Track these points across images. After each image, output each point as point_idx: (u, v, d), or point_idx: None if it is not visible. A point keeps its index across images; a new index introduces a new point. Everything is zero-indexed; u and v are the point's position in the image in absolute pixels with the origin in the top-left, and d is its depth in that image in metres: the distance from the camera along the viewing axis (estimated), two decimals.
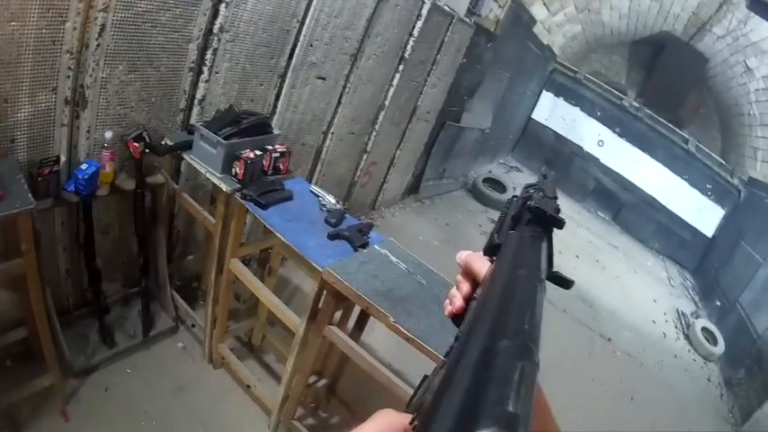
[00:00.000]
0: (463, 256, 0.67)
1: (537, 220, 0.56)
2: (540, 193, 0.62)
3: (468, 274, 0.65)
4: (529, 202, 0.58)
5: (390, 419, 0.38)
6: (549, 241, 0.55)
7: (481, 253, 0.66)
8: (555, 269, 0.55)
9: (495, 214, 7.00)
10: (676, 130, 9.08)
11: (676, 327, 6.60)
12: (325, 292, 2.08)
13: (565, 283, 0.56)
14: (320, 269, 1.99)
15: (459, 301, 0.63)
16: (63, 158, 2.14)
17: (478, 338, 0.34)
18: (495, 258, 0.59)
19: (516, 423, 0.25)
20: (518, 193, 0.73)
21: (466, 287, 0.64)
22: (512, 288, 0.42)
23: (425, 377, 0.49)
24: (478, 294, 0.55)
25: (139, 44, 2.19)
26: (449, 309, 0.64)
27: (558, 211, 0.58)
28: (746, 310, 6.37)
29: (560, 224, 0.56)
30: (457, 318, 0.63)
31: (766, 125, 7.72)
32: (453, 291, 0.66)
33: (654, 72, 9.50)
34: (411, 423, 0.36)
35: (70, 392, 2.37)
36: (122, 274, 2.88)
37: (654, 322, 6.41)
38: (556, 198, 0.63)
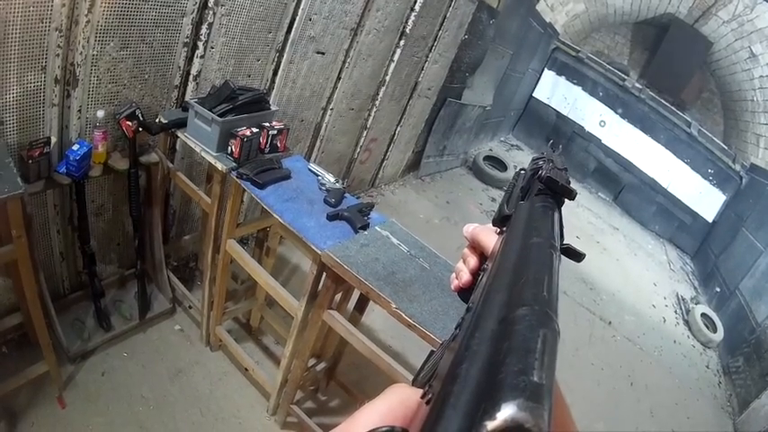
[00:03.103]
0: (470, 228, 0.66)
1: (548, 191, 0.54)
2: (550, 164, 0.59)
3: (476, 247, 0.64)
4: (540, 172, 0.56)
5: (403, 394, 0.36)
6: (559, 213, 0.53)
7: (489, 225, 0.65)
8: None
9: (496, 192, 7.06)
10: (679, 112, 9.01)
11: (676, 312, 6.60)
12: (324, 275, 2.04)
13: (576, 255, 0.55)
14: (319, 252, 1.94)
15: (466, 275, 0.63)
16: (54, 139, 2.07)
17: (494, 307, 0.33)
18: (504, 230, 0.58)
19: (541, 393, 0.23)
20: (523, 167, 0.71)
21: (473, 260, 0.64)
22: (527, 256, 0.41)
23: (432, 352, 0.49)
24: (489, 265, 0.54)
25: (131, 19, 2.11)
26: (455, 283, 0.65)
27: (568, 181, 0.56)
28: (746, 298, 6.35)
29: (572, 195, 0.54)
30: (464, 292, 0.63)
31: None
32: (460, 264, 0.66)
33: (657, 54, 9.42)
34: (423, 397, 0.33)
35: (66, 378, 2.35)
36: (118, 255, 2.83)
37: (654, 306, 6.41)
38: (566, 169, 0.61)
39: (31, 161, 1.94)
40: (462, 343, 0.32)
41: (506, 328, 0.29)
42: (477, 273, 0.62)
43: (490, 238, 0.61)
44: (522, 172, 0.66)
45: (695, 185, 8.97)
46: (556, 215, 0.51)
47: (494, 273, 0.42)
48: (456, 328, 0.43)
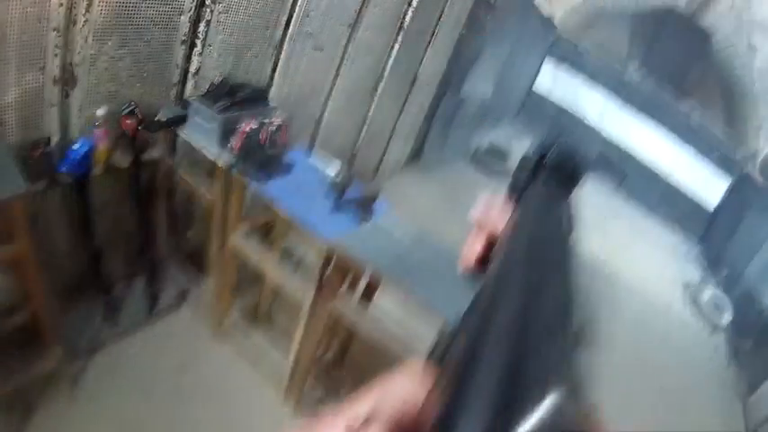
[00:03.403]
0: (479, 207, 0.64)
1: (557, 173, 0.54)
2: (557, 147, 0.58)
3: (484, 227, 0.62)
4: (547, 154, 0.56)
5: (419, 372, 0.35)
6: (569, 194, 0.54)
7: (495, 200, 0.63)
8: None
9: (497, 184, 7.01)
10: (679, 101, 8.97)
11: (683, 296, 6.58)
12: (331, 263, 2.05)
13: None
14: (325, 241, 1.95)
15: (473, 257, 0.61)
16: (55, 139, 2.09)
17: (517, 299, 0.32)
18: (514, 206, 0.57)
19: (580, 386, 0.24)
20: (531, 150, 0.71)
21: (480, 243, 0.62)
22: (542, 243, 0.41)
23: (444, 331, 0.47)
24: (500, 248, 0.52)
25: (128, 18, 2.12)
26: (464, 264, 0.62)
27: (576, 163, 0.56)
28: (754, 281, 6.32)
29: (581, 176, 0.55)
30: (476, 268, 0.61)
31: None
32: (467, 247, 0.64)
33: (656, 46, 9.40)
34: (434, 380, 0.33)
35: (76, 373, 2.36)
36: (123, 252, 2.83)
37: (661, 291, 6.39)
38: (573, 152, 0.60)
39: (32, 160, 1.95)
40: (494, 329, 0.30)
41: (535, 320, 0.29)
42: (485, 256, 0.61)
43: (499, 216, 0.60)
44: (531, 154, 0.65)
45: (698, 171, 8.96)
46: (564, 197, 0.51)
47: (508, 260, 0.41)
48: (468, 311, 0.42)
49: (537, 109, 10.32)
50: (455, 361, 0.30)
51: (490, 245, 0.61)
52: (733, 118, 9.22)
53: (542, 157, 0.58)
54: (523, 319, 0.29)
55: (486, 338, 0.28)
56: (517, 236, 0.44)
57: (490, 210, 0.63)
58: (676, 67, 9.16)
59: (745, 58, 7.94)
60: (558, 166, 0.53)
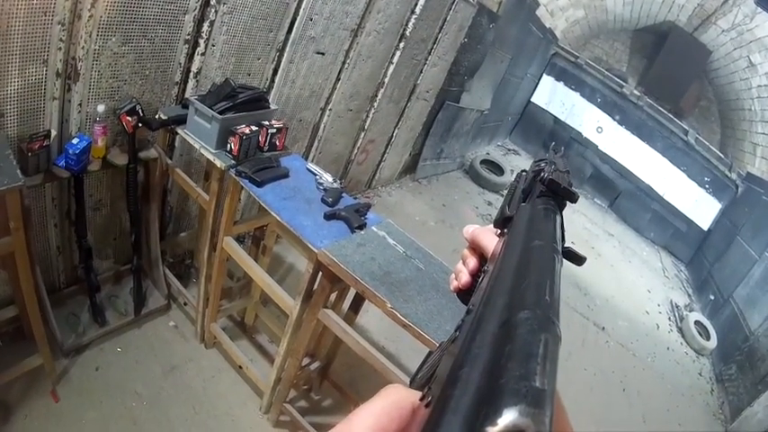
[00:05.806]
0: (470, 230, 0.66)
1: (550, 193, 0.53)
2: (552, 166, 0.58)
3: (476, 248, 0.64)
4: (542, 174, 0.55)
5: (399, 395, 0.35)
6: (561, 216, 0.53)
7: (489, 227, 0.64)
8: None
9: (493, 196, 7.06)
10: (676, 120, 9.06)
11: (670, 319, 6.62)
12: (320, 274, 2.04)
13: (577, 259, 0.53)
14: (316, 250, 1.95)
15: (465, 276, 0.62)
16: (54, 133, 2.08)
17: (496, 311, 0.32)
18: (505, 231, 0.57)
19: (543, 399, 0.23)
20: (525, 169, 0.70)
21: (473, 262, 0.64)
22: (528, 258, 0.40)
23: (430, 353, 0.48)
24: (490, 267, 0.53)
25: (133, 15, 2.12)
26: (455, 284, 0.64)
27: (570, 184, 0.55)
28: (740, 306, 6.37)
29: (573, 197, 0.54)
30: (463, 293, 0.62)
31: (767, 121, 7.68)
32: (459, 266, 0.66)
33: (656, 61, 9.45)
34: (422, 399, 0.33)
35: (60, 372, 2.34)
36: (114, 250, 2.83)
37: (647, 313, 6.43)
38: (568, 172, 0.60)
39: (30, 154, 1.94)
40: (463, 346, 0.31)
41: (508, 332, 0.28)
42: (477, 274, 0.62)
43: (491, 239, 0.61)
44: (524, 173, 0.66)
45: (691, 193, 9.02)
46: (557, 218, 0.51)
47: (495, 275, 0.41)
48: (455, 330, 0.42)
49: (534, 121, 10.38)
50: (441, 380, 0.31)
51: (482, 265, 0.62)
52: (729, 137, 9.29)
53: (538, 172, 0.58)
54: (506, 329, 0.29)
55: (469, 354, 0.29)
56: (509, 252, 0.44)
57: (483, 232, 0.63)
58: (674, 84, 9.21)
59: (745, 76, 8.01)
60: (553, 183, 0.53)
